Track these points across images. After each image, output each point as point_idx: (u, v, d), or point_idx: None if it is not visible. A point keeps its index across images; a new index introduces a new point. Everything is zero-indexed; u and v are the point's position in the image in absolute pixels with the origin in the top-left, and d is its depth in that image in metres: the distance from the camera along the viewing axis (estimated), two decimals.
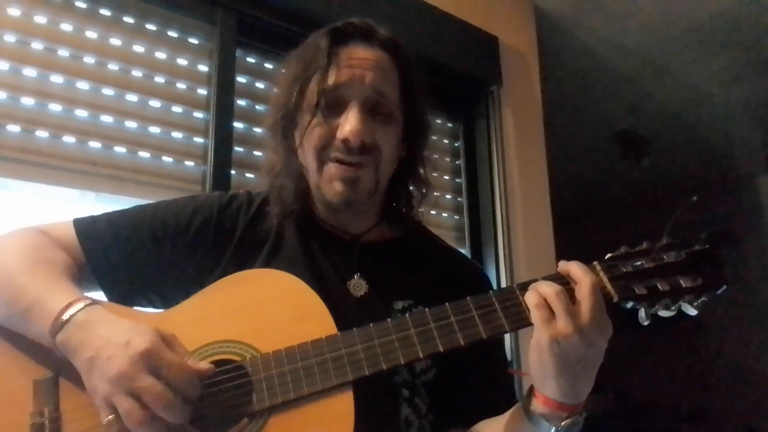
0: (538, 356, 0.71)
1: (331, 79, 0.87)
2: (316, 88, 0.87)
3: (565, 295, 0.70)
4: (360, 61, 0.88)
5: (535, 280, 0.76)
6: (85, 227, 0.90)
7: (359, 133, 0.85)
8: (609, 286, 0.74)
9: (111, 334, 0.71)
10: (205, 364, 0.72)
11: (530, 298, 0.72)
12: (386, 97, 0.89)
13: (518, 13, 2.60)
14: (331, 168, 0.88)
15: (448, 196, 2.32)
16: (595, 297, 0.70)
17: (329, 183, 0.88)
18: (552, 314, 0.70)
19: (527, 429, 0.76)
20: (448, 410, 0.90)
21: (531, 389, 0.76)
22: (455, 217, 2.32)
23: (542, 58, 2.63)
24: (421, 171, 1.00)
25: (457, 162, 2.38)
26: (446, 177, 2.34)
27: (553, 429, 0.73)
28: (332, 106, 0.88)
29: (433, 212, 2.22)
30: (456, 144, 2.40)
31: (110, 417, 0.67)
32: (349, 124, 0.85)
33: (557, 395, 0.72)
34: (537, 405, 0.74)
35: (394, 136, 0.91)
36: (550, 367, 0.70)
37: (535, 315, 0.71)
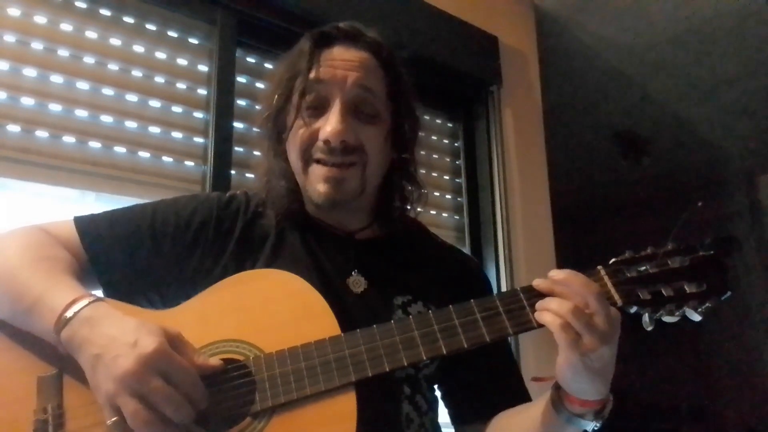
0: (572, 374, 0.73)
1: (313, 81, 0.88)
2: (299, 89, 0.88)
3: (579, 309, 0.71)
4: (343, 62, 0.89)
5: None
6: (86, 225, 0.90)
7: (339, 134, 0.86)
8: (613, 290, 0.75)
9: (117, 332, 0.70)
10: (215, 360, 0.74)
11: (550, 320, 0.72)
12: (370, 97, 0.89)
13: (518, 13, 2.60)
14: (316, 168, 0.89)
15: (448, 196, 2.32)
16: (604, 305, 0.71)
17: (314, 184, 0.89)
18: (577, 335, 0.70)
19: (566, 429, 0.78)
20: (461, 406, 0.93)
21: (560, 396, 0.77)
22: (455, 217, 2.32)
23: (542, 58, 2.63)
24: (414, 171, 1.00)
25: (457, 162, 2.38)
26: (446, 177, 2.34)
27: (599, 421, 0.76)
28: (315, 107, 0.89)
29: (433, 212, 2.22)
30: (456, 144, 2.40)
31: (114, 419, 0.67)
32: (329, 124, 0.86)
33: (595, 396, 0.75)
34: (576, 408, 0.76)
35: (380, 136, 0.91)
36: (585, 378, 0.73)
37: (562, 337, 0.71)
